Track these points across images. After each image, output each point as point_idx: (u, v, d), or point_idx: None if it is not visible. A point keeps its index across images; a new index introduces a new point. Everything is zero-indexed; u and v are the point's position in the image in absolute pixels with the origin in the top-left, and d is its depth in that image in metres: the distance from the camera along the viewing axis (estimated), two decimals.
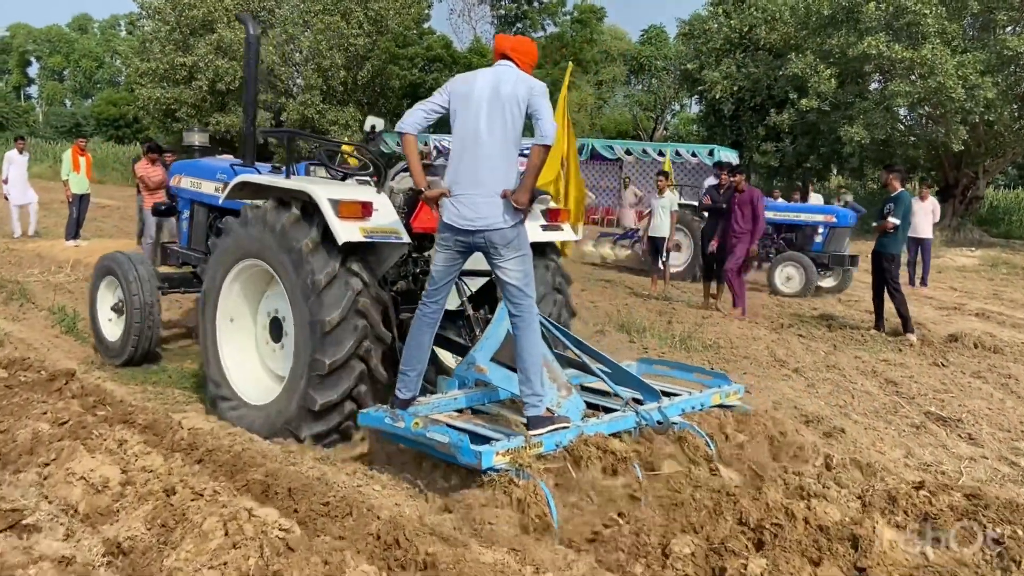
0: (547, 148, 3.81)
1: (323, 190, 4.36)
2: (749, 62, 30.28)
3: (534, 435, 3.71)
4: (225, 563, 2.92)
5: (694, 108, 52.74)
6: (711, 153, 26.51)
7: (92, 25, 77.20)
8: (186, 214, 6.36)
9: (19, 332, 6.96)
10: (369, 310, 4.40)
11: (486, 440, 3.74)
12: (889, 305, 8.92)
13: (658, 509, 3.56)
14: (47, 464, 3.82)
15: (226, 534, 3.07)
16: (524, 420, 3.96)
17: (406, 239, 4.57)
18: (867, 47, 21.84)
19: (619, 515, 3.47)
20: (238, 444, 4.33)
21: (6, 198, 14.31)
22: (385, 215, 4.54)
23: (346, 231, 4.22)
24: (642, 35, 49.44)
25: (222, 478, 3.74)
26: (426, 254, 4.98)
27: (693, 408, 4.45)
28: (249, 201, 5.00)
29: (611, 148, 28.33)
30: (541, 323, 4.18)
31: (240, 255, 4.79)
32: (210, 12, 33.19)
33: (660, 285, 12.07)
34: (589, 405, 4.38)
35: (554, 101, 4.93)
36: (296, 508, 3.50)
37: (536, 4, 43.86)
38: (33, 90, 74.87)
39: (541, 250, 5.09)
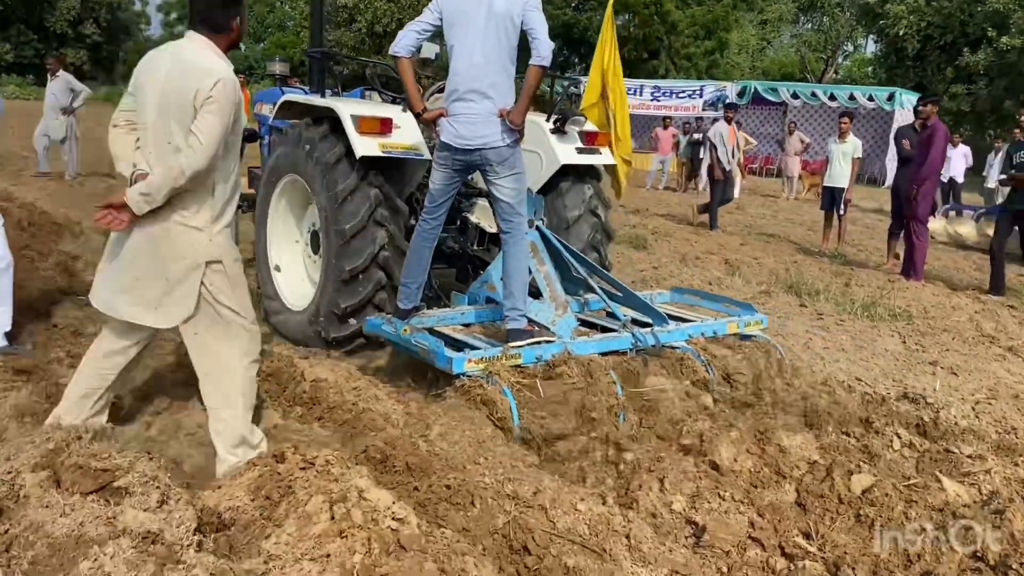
0: (543, 69, 3.75)
1: (348, 107, 4.51)
2: None
3: (512, 347, 3.82)
4: (328, 555, 2.46)
5: (870, 48, 48.83)
6: (891, 97, 24.13)
7: None
8: (267, 139, 6.54)
9: None
10: (388, 221, 4.54)
11: (473, 350, 3.87)
12: None
13: (631, 425, 3.65)
14: (158, 414, 3.54)
15: (332, 518, 2.61)
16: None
17: (427, 156, 4.56)
18: None
19: (587, 425, 3.56)
20: (361, 401, 3.92)
21: None
22: (408, 133, 4.59)
23: (364, 145, 4.33)
24: None
25: (337, 443, 3.31)
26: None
27: (703, 334, 4.41)
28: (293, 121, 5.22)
29: (775, 91, 26.40)
30: (557, 243, 4.41)
31: (283, 171, 4.97)
32: None
33: (833, 241, 10.80)
34: (600, 328, 4.44)
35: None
36: (417, 486, 3.03)
37: None
38: None
39: (577, 173, 5.11)
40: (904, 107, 23.63)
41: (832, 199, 10.57)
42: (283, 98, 5.14)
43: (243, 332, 3.19)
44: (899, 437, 3.63)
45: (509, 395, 3.55)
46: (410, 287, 4.25)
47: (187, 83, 2.94)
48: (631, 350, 4.09)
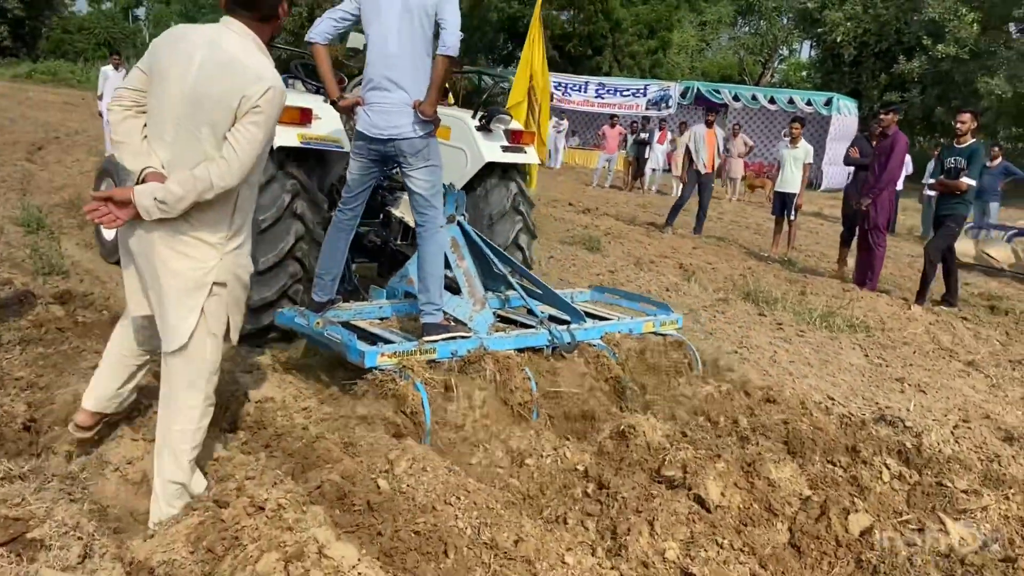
0: (450, 59, 3.75)
1: None
2: (878, 3, 27.65)
3: (426, 341, 3.81)
4: None
5: (805, 53, 49.79)
6: (828, 103, 24.51)
7: None
8: None
9: (88, 262, 6.37)
10: (306, 213, 4.46)
11: (387, 343, 3.84)
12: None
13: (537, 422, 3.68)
14: (83, 444, 3.11)
15: None
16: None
17: (347, 148, 4.45)
18: None
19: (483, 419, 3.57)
20: (312, 425, 3.57)
21: (101, 114, 13.98)
22: (328, 124, 4.51)
23: (282, 136, 4.18)
24: None
25: (289, 479, 2.96)
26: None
27: (620, 332, 4.43)
28: None
29: (717, 92, 26.60)
30: (478, 239, 4.42)
31: None
32: None
33: (783, 246, 10.81)
34: (519, 325, 4.45)
35: None
36: (380, 531, 2.70)
37: None
38: (141, 12, 76.29)
39: (503, 171, 5.11)
40: (841, 112, 24.09)
41: (783, 204, 10.58)
42: None
43: (211, 368, 2.82)
44: (887, 468, 3.46)
45: (422, 390, 3.49)
46: (324, 279, 4.21)
47: (230, 84, 2.53)
48: (548, 347, 4.10)
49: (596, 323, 4.47)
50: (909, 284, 9.10)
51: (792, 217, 10.63)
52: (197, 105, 2.55)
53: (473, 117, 5.04)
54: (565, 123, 24.91)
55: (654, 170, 19.51)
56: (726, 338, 6.02)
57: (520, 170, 5.26)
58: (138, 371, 3.12)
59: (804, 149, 10.49)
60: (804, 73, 46.79)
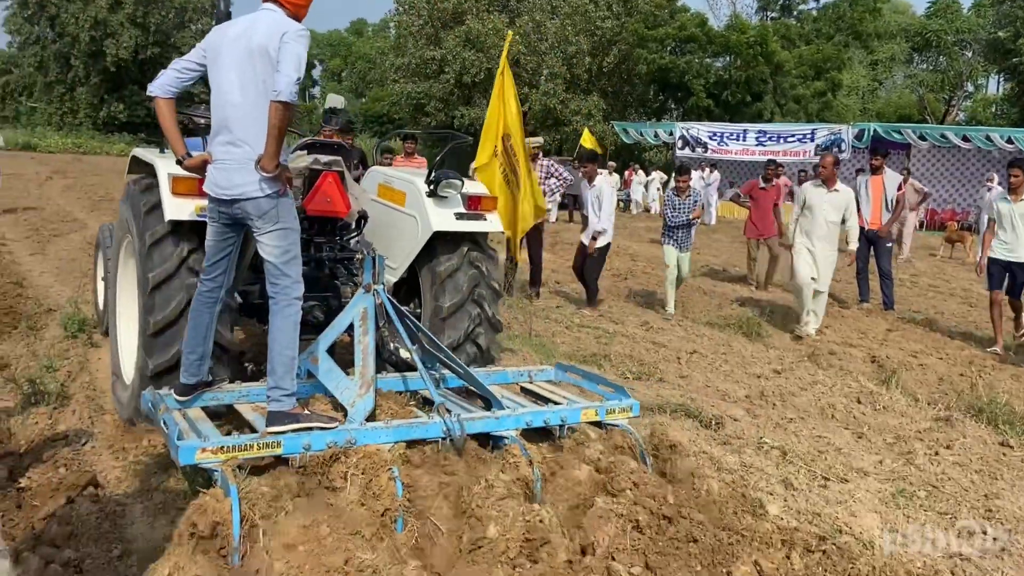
0: (284, 105, 3.28)
1: (168, 165, 3.99)
2: None
3: (269, 432, 3.32)
4: None
5: (991, 88, 45.38)
6: None
7: (367, 28, 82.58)
8: None
9: None
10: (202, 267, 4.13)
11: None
12: None
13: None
14: None
15: None
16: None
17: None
18: None
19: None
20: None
21: None
22: None
23: (175, 208, 3.93)
24: (929, 7, 42.49)
25: None
26: (324, 238, 4.83)
27: (548, 422, 3.89)
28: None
29: (898, 132, 23.70)
30: (392, 312, 3.99)
31: (123, 230, 4.50)
32: (460, 3, 33.19)
33: (1009, 330, 8.31)
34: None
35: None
36: None
37: None
38: (316, 91, 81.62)
39: (458, 245, 4.66)
40: None
41: (1011, 276, 8.06)
42: (133, 151, 4.70)
43: None
44: None
45: (234, 495, 2.87)
46: (189, 359, 3.74)
47: None
48: (443, 439, 3.57)
49: (515, 410, 3.86)
50: None
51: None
52: None
53: (425, 181, 4.61)
54: (716, 175, 22.93)
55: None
56: (963, 498, 4.05)
57: (479, 242, 4.76)
58: None
59: None
60: (992, 108, 42.55)
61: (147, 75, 44.39)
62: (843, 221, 7.99)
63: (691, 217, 8.59)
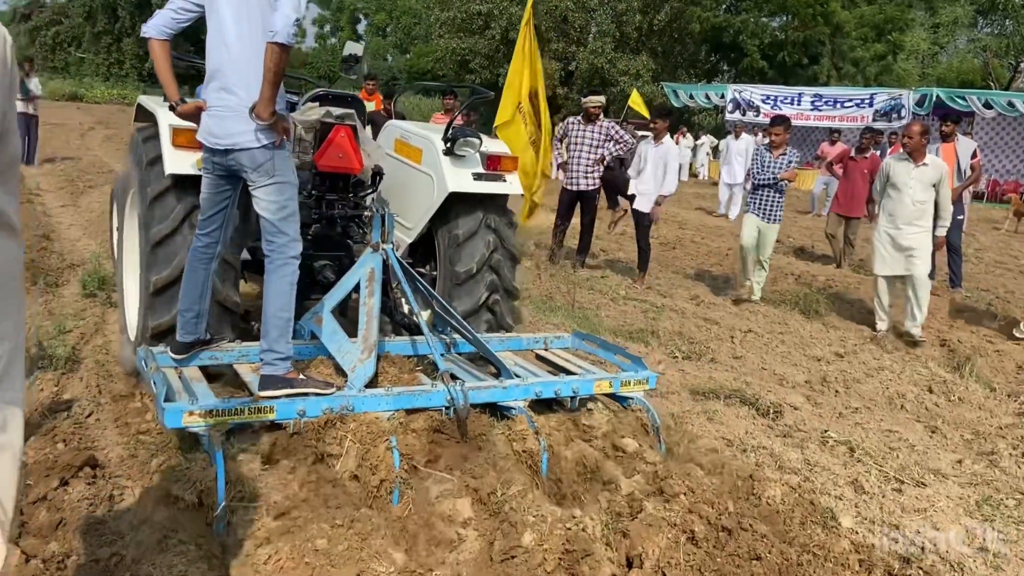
0: (281, 47, 3.06)
1: (170, 117, 3.67)
2: None
3: (261, 397, 3.17)
4: None
5: None
6: None
7: None
8: None
9: None
10: None
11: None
12: None
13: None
14: None
15: None
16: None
17: None
18: None
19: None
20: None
21: None
22: None
23: (176, 161, 3.68)
24: None
25: None
26: (336, 195, 4.50)
27: (559, 393, 3.66)
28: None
29: (962, 99, 22.48)
30: (401, 274, 3.76)
31: (128, 181, 4.29)
32: None
33: None
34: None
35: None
36: None
37: None
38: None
39: (475, 207, 4.36)
40: None
41: None
42: (138, 99, 4.41)
43: None
44: None
45: (220, 461, 2.77)
46: (186, 316, 3.56)
47: None
48: (446, 408, 3.39)
49: (524, 380, 3.69)
50: None
51: None
52: None
53: (442, 139, 4.34)
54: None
55: None
56: None
57: (498, 203, 4.48)
58: None
59: None
60: None
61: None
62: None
63: (780, 177, 7.27)
